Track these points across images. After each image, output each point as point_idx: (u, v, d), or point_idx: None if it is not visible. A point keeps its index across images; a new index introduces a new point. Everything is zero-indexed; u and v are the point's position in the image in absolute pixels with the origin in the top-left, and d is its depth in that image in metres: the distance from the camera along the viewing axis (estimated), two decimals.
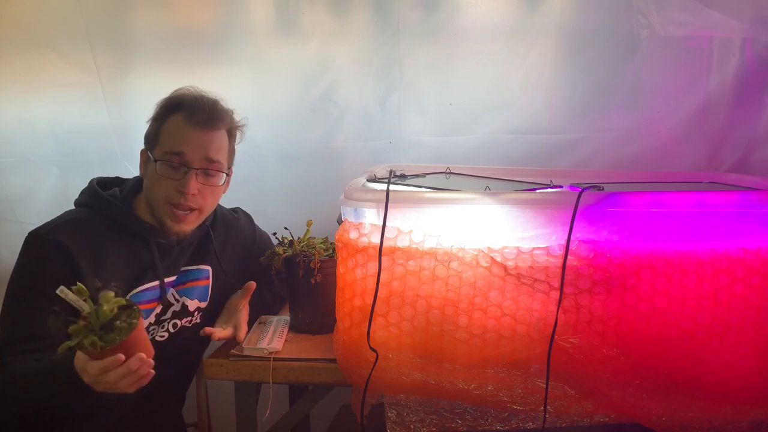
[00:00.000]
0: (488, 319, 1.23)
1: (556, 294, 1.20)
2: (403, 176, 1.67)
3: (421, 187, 1.51)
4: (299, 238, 1.59)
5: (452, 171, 1.77)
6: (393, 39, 1.91)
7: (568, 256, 1.19)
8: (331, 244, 1.54)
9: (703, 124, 1.91)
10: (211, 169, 1.44)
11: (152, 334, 1.48)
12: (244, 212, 1.77)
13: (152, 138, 1.45)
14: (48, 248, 1.34)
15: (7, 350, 1.29)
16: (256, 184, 1.99)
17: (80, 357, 1.14)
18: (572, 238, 1.18)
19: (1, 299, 1.38)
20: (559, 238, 1.21)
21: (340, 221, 1.36)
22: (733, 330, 1.21)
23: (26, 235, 1.38)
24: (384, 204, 1.22)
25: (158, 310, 1.48)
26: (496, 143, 1.97)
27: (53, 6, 1.93)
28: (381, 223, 1.22)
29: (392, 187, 1.26)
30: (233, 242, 1.66)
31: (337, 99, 1.97)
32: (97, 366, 1.10)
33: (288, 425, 1.50)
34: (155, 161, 1.41)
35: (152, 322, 1.48)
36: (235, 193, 1.59)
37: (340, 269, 1.30)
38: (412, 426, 1.27)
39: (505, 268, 1.22)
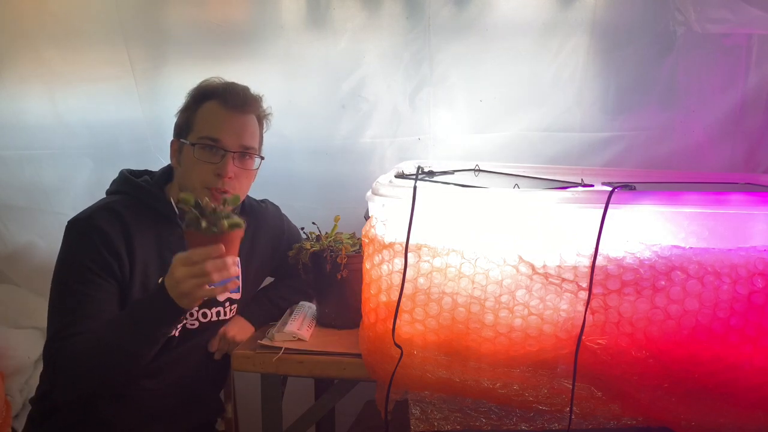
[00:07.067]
0: (515, 317, 1.22)
1: (584, 294, 1.18)
2: (431, 173, 1.67)
3: (449, 183, 1.50)
4: (326, 233, 1.59)
5: (481, 168, 1.75)
6: (424, 35, 1.90)
7: (598, 256, 1.17)
8: (357, 239, 1.54)
9: (740, 124, 1.86)
10: (247, 152, 1.47)
11: (182, 323, 1.50)
12: (272, 203, 1.78)
13: (185, 126, 1.48)
14: (89, 232, 1.38)
15: (71, 330, 1.32)
16: (285, 178, 2.00)
17: (172, 270, 1.21)
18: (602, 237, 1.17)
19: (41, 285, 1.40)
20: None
21: (367, 217, 1.36)
22: (766, 334, 1.18)
23: (66, 223, 1.41)
24: (411, 200, 1.22)
25: None
26: (527, 141, 1.95)
27: (89, 3, 1.98)
28: (408, 220, 1.22)
29: (420, 183, 1.26)
30: (262, 232, 1.67)
31: (366, 95, 1.97)
32: (200, 252, 1.17)
33: (313, 418, 1.51)
34: (192, 145, 1.43)
35: None
36: (264, 187, 1.60)
37: (366, 265, 1.31)
38: (435, 423, 1.27)
39: (532, 266, 1.21)
